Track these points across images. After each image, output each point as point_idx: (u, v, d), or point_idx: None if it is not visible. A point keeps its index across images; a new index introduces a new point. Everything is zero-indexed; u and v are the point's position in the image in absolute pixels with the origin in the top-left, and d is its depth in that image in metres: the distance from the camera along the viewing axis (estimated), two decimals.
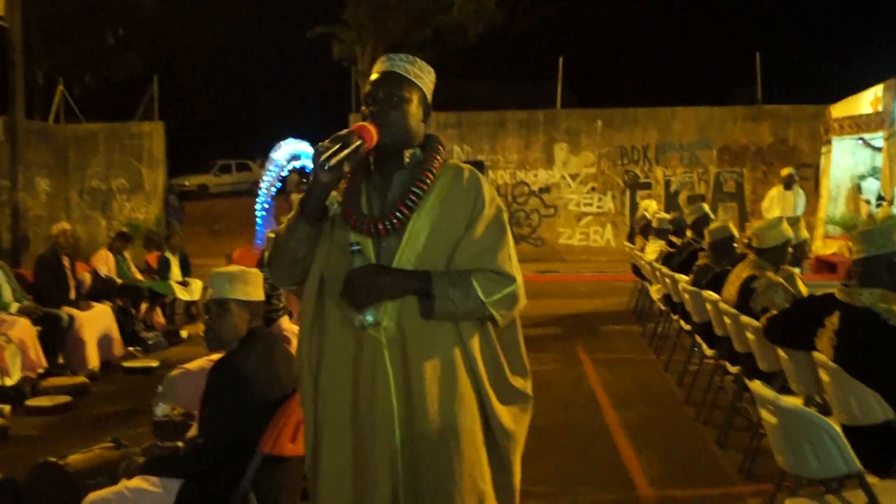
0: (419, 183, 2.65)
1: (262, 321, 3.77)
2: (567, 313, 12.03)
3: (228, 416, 3.41)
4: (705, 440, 6.20)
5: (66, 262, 9.08)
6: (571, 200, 19.81)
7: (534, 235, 19.88)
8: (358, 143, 2.52)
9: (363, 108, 2.71)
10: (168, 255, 11.74)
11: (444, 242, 2.63)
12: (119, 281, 10.61)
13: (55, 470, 4.41)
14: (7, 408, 7.15)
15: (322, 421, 2.69)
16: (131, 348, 9.62)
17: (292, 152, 18.41)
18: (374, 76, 2.72)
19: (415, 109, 2.70)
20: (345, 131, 2.55)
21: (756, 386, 3.36)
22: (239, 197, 29.14)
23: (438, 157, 2.73)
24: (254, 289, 3.64)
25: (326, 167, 2.49)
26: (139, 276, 11.31)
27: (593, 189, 19.79)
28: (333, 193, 2.72)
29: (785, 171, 14.11)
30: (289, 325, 4.42)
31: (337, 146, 2.51)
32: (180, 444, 3.72)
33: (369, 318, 2.55)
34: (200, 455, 3.46)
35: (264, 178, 18.30)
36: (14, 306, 8.30)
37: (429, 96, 2.77)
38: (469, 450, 2.62)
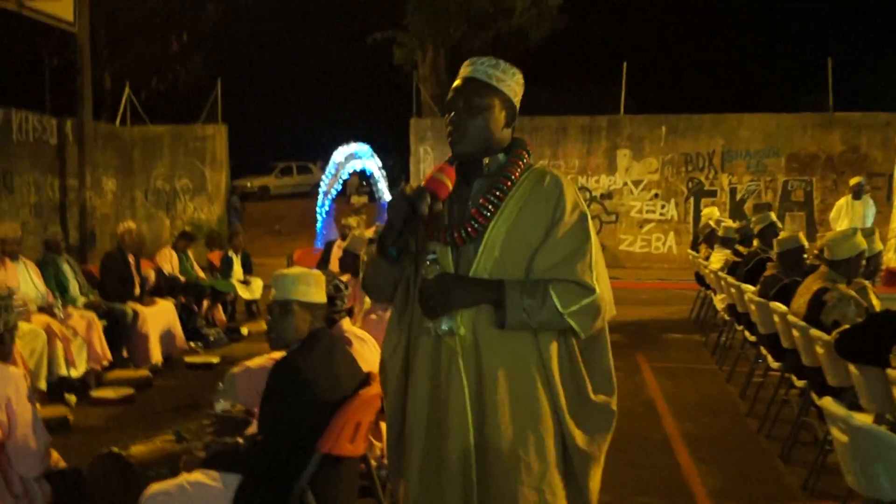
0: (496, 191, 2.62)
1: (325, 322, 3.78)
2: (627, 321, 11.88)
3: (288, 415, 3.43)
4: (768, 454, 6.09)
5: (131, 259, 9.24)
6: (634, 207, 19.62)
7: None
8: (429, 201, 2.53)
9: (447, 114, 2.68)
10: (230, 254, 11.88)
11: (522, 250, 2.59)
12: (182, 279, 10.78)
13: (118, 460, 4.50)
14: (73, 398, 7.34)
15: (408, 428, 2.70)
16: (193, 344, 9.79)
17: (351, 151, 18.53)
18: (455, 83, 2.69)
19: (496, 116, 2.65)
20: (417, 187, 2.56)
21: (827, 403, 3.28)
22: (299, 198, 29.41)
23: (520, 163, 2.67)
24: (316, 290, 3.65)
25: (390, 252, 2.55)
26: (202, 275, 11.49)
27: (656, 196, 19.58)
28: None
29: (854, 181, 13.82)
30: (350, 327, 4.43)
31: (397, 231, 2.56)
32: (240, 440, 3.75)
33: (444, 327, 2.55)
34: (260, 453, 3.48)
35: (324, 180, 18.44)
36: (81, 301, 8.51)
37: (515, 99, 2.70)
38: (539, 463, 2.58)
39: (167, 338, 9.16)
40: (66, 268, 8.64)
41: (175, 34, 26.11)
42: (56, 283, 8.39)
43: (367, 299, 5.46)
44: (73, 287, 8.60)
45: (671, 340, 10.69)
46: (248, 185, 32.43)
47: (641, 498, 5.28)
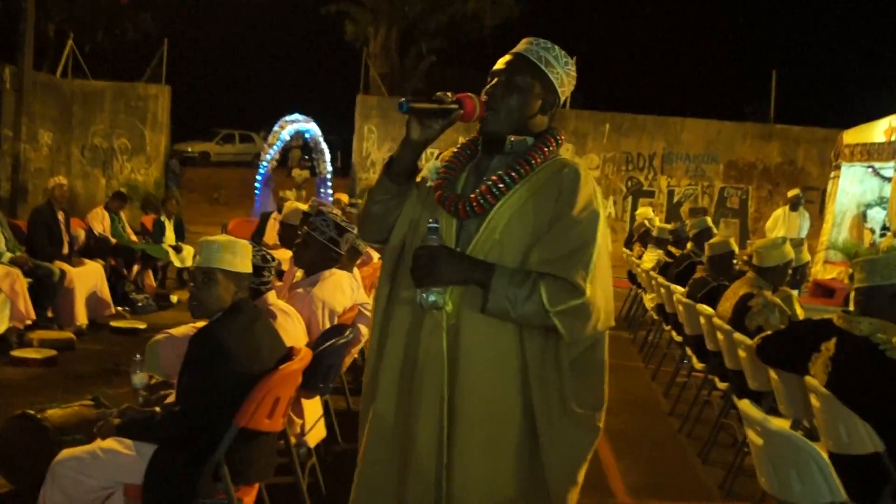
0: (512, 171, 2.52)
1: (249, 294, 3.73)
2: None
3: (206, 386, 3.37)
4: (687, 453, 6.19)
5: (60, 216, 9.04)
6: None
7: None
8: (454, 107, 2.44)
9: (488, 81, 2.61)
10: (163, 218, 11.69)
11: (523, 238, 2.48)
12: (113, 240, 10.58)
13: (32, 422, 4.38)
14: None
15: (379, 383, 2.62)
16: (120, 308, 9.58)
17: (296, 128, 18.33)
18: (506, 56, 2.62)
19: (533, 99, 2.57)
20: (449, 94, 2.46)
21: (745, 406, 3.33)
22: (240, 167, 29.06)
23: (545, 150, 2.57)
24: (241, 260, 3.59)
25: (406, 108, 2.39)
26: (133, 238, 11.28)
27: None
28: (437, 163, 2.65)
29: (792, 193, 14.10)
30: (275, 300, 4.37)
31: (432, 103, 2.44)
32: (157, 409, 3.68)
33: (430, 299, 2.45)
34: (176, 422, 3.43)
35: (268, 150, 18.23)
36: (7, 256, 8.27)
37: (560, 89, 2.62)
38: (509, 464, 2.49)
39: (94, 300, 8.99)
40: None
41: None
42: None
43: (298, 273, 5.41)
44: (0, 241, 8.37)
45: (616, 337, 10.74)
46: (189, 149, 31.89)
47: None
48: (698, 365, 6.82)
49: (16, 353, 7.36)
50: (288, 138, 18.37)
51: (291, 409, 4.26)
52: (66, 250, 9.00)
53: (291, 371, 3.59)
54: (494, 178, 2.53)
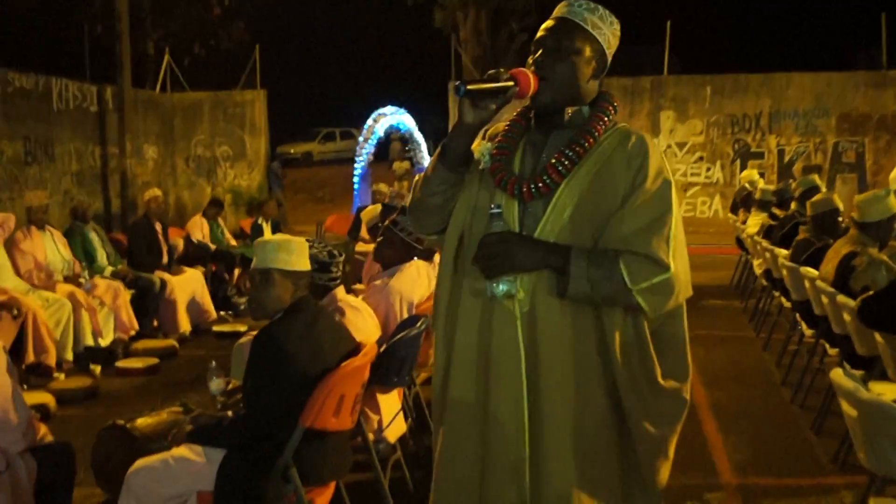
0: (575, 146, 2.39)
1: (310, 291, 3.68)
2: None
3: (268, 388, 3.34)
4: (799, 425, 5.90)
5: (157, 227, 9.23)
6: (678, 170, 19.22)
7: None
8: (510, 83, 2.31)
9: (530, 58, 2.48)
10: (261, 221, 11.82)
11: (595, 216, 2.36)
12: (213, 246, 10.78)
13: (122, 432, 4.45)
14: (97, 368, 7.38)
15: (449, 399, 2.52)
16: (223, 313, 9.76)
17: (390, 121, 18.39)
18: (547, 22, 2.48)
19: (585, 64, 2.43)
20: (502, 70, 2.35)
21: (836, 375, 3.09)
22: (342, 164, 29.29)
23: (605, 119, 2.44)
24: (297, 258, 3.54)
25: (463, 91, 2.27)
26: (233, 242, 11.47)
27: (701, 158, 19.16)
28: (487, 144, 2.53)
29: None
30: (344, 296, 4.32)
31: (486, 82, 2.31)
32: (229, 413, 3.68)
33: (502, 288, 2.33)
34: (242, 427, 3.42)
35: (363, 146, 18.35)
36: (108, 270, 8.52)
37: (608, 51, 2.48)
38: (597, 448, 2.40)
39: (196, 307, 9.16)
40: (92, 236, 8.66)
41: None
42: (83, 253, 8.42)
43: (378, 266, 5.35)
44: (101, 256, 8.62)
45: (710, 307, 10.45)
46: (292, 151, 32.46)
47: None
48: (808, 331, 6.49)
49: (120, 363, 7.56)
50: (382, 132, 18.44)
51: (367, 405, 4.21)
52: (165, 260, 9.19)
53: (354, 367, 3.52)
54: (558, 154, 2.40)
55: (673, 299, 2.33)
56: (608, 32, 2.47)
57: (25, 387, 6.60)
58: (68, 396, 6.56)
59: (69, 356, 7.35)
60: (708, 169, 19.16)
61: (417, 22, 26.31)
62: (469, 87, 2.28)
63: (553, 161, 2.39)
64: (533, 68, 2.42)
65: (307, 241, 4.02)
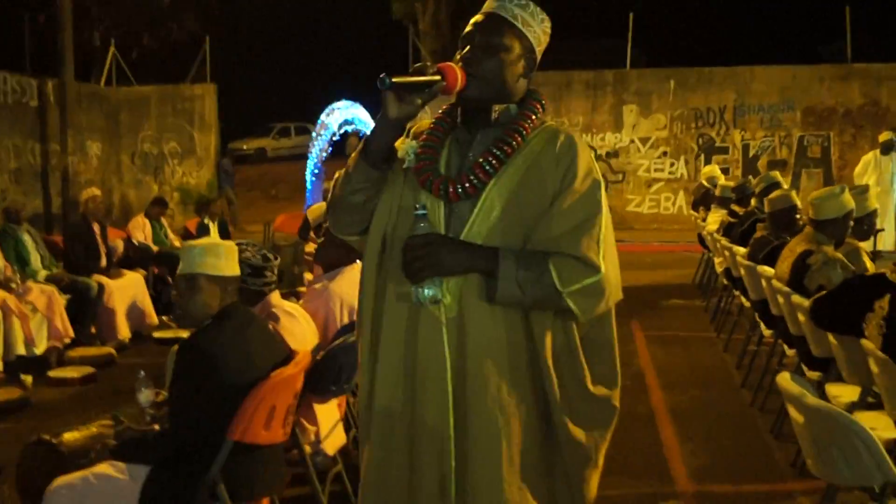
0: (502, 144, 2.38)
1: (244, 297, 3.61)
2: (626, 285, 11.32)
3: (194, 399, 3.27)
4: (758, 429, 5.92)
5: (96, 228, 9.09)
6: (641, 166, 19.35)
7: None
8: (437, 78, 2.29)
9: (457, 53, 2.45)
10: (207, 221, 11.66)
11: (523, 216, 2.36)
12: (155, 248, 10.63)
13: (48, 448, 4.32)
14: (29, 378, 7.21)
15: (375, 407, 2.48)
16: (165, 318, 9.59)
17: (345, 118, 18.25)
18: (476, 17, 2.46)
19: (514, 60, 2.42)
20: (429, 63, 2.33)
21: (783, 379, 3.07)
22: (298, 161, 29.06)
23: (533, 118, 2.44)
24: (226, 263, 3.47)
25: (388, 84, 2.23)
26: (177, 243, 11.29)
27: (665, 154, 19.28)
28: (412, 143, 2.48)
29: (884, 137, 13.60)
30: (279, 302, 4.24)
31: (412, 76, 2.29)
32: (156, 427, 3.59)
33: (427, 293, 2.29)
34: (166, 441, 3.34)
35: (315, 142, 18.21)
36: (42, 274, 8.37)
37: (537, 49, 2.47)
38: (524, 458, 2.38)
39: (136, 312, 9.01)
40: (26, 238, 8.50)
41: None
42: (15, 256, 8.25)
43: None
44: (34, 259, 8.46)
45: (671, 307, 10.50)
46: (244, 147, 32.19)
47: (615, 478, 5.06)
48: (767, 332, 6.51)
49: (53, 373, 7.40)
50: (336, 127, 18.30)
51: (303, 416, 4.14)
52: (104, 263, 9.05)
53: (286, 377, 3.45)
54: (485, 153, 2.38)
55: (604, 302, 2.34)
56: (539, 30, 2.47)
57: None
58: None
59: None
60: (672, 164, 19.27)
61: (375, 13, 26.25)
62: (394, 79, 2.24)
63: (480, 160, 2.38)
64: (461, 64, 2.39)
65: (240, 244, 3.94)
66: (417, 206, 2.33)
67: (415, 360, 2.39)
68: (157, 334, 8.89)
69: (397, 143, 2.47)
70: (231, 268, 3.49)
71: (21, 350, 7.42)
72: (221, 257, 3.45)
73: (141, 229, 10.76)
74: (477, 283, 2.34)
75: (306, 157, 18.77)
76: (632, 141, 19.32)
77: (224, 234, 11.82)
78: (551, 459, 2.42)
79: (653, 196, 19.37)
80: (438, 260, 2.28)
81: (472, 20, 2.46)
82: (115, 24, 24.42)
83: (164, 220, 11.28)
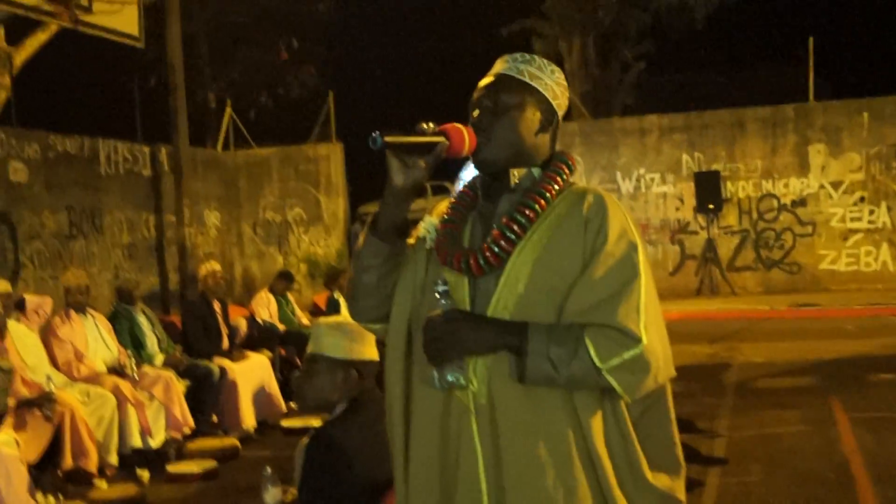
0: (524, 209, 2.45)
1: (378, 382, 3.62)
2: (825, 358, 11.30)
3: (326, 500, 3.28)
4: None
5: (217, 307, 9.36)
6: (835, 215, 18.76)
7: (787, 260, 18.97)
8: (438, 139, 2.38)
9: (471, 115, 2.57)
10: (337, 295, 11.87)
11: (553, 286, 2.39)
12: (281, 327, 10.86)
13: None
14: (145, 473, 7.45)
15: (411, 498, 2.54)
16: (293, 404, 9.74)
17: None
18: (483, 80, 2.60)
19: (528, 119, 2.53)
20: (431, 124, 2.42)
21: None
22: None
23: (558, 179, 2.51)
24: (356, 345, 3.50)
25: (380, 144, 2.29)
26: (305, 321, 11.54)
27: (862, 199, 18.65)
28: (432, 220, 2.59)
29: None
30: None
31: (410, 135, 2.38)
32: None
33: (450, 378, 2.35)
34: None
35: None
36: (159, 358, 8.65)
37: (554, 102, 2.57)
38: None
39: (261, 399, 9.22)
40: (141, 319, 8.82)
41: (283, 40, 26.60)
42: (130, 339, 8.57)
43: None
44: (151, 342, 8.76)
45: (881, 382, 10.03)
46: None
47: None
48: None
49: (172, 467, 7.61)
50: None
51: None
52: (225, 345, 9.30)
53: None
54: (506, 220, 2.45)
55: (651, 378, 2.35)
56: (550, 82, 2.56)
57: (61, 497, 6.70)
58: None
59: (113, 460, 7.45)
60: (871, 212, 18.63)
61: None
62: (386, 139, 2.31)
63: (501, 228, 2.45)
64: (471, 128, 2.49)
65: None
66: (439, 282, 2.40)
67: (447, 458, 2.44)
68: (285, 423, 9.10)
69: (421, 225, 2.58)
70: (362, 351, 3.52)
71: (137, 442, 7.68)
72: (351, 338, 3.49)
73: (265, 306, 11.03)
74: (507, 363, 2.37)
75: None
76: (821, 186, 18.79)
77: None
78: None
79: (850, 250, 18.72)
80: (460, 338, 2.34)
81: (479, 84, 2.58)
82: (230, 83, 25.46)
83: (290, 296, 11.55)
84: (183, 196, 17.11)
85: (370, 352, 3.55)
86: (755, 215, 19.03)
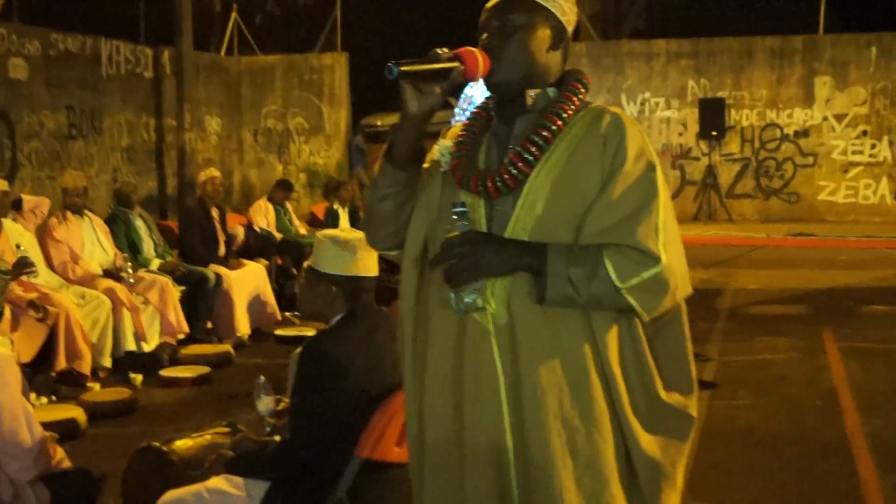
0: (541, 130, 2.42)
1: (377, 294, 3.62)
2: (818, 288, 11.35)
3: (318, 409, 3.29)
4: None
5: (215, 213, 9.34)
6: (836, 147, 18.71)
7: (786, 190, 18.97)
8: (454, 64, 2.34)
9: (479, 38, 2.52)
10: (336, 206, 11.84)
11: (571, 207, 2.38)
12: (279, 236, 10.84)
13: (158, 456, 4.47)
14: (138, 378, 7.45)
15: (426, 424, 2.55)
16: (288, 314, 9.81)
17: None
18: (490, 2, 2.54)
19: (538, 37, 2.48)
20: (445, 49, 2.37)
21: None
22: (438, 138, 29.34)
23: (574, 99, 2.48)
24: (361, 262, 3.49)
25: (396, 74, 2.26)
26: (303, 231, 11.52)
27: (865, 133, 18.58)
28: (447, 142, 2.57)
29: None
30: None
31: (425, 63, 2.34)
32: (276, 437, 3.64)
33: (467, 300, 2.34)
34: (286, 455, 3.36)
35: (458, 116, 18.30)
36: (155, 263, 8.64)
37: (563, 18, 2.52)
38: (592, 478, 2.38)
39: (256, 307, 9.23)
40: (138, 223, 8.79)
41: None
42: (126, 242, 8.55)
43: None
44: (147, 247, 8.75)
45: (871, 314, 10.11)
46: (378, 123, 32.44)
47: None
48: None
49: (165, 372, 7.62)
50: (481, 99, 18.37)
51: None
52: (222, 251, 9.29)
53: None
54: (523, 141, 2.42)
55: (669, 297, 2.36)
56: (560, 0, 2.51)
57: (54, 398, 6.75)
58: (102, 410, 6.61)
59: (107, 362, 7.50)
60: (873, 146, 18.59)
61: None
62: (402, 68, 2.28)
63: (518, 150, 2.42)
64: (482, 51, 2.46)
65: None
66: (456, 204, 2.38)
67: (463, 377, 2.44)
68: (278, 332, 9.12)
69: (435, 148, 2.56)
70: (366, 268, 3.51)
71: (131, 346, 7.70)
72: (348, 253, 3.48)
73: (263, 215, 10.99)
74: (526, 284, 2.37)
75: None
76: (825, 118, 18.70)
77: (355, 221, 11.96)
78: (627, 480, 2.43)
79: (850, 183, 18.71)
80: (478, 260, 2.32)
81: (486, 5, 2.53)
82: None
83: (288, 205, 11.51)
84: (184, 100, 16.89)
85: (368, 267, 3.54)
86: (757, 144, 18.99)
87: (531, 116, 2.48)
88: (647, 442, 2.41)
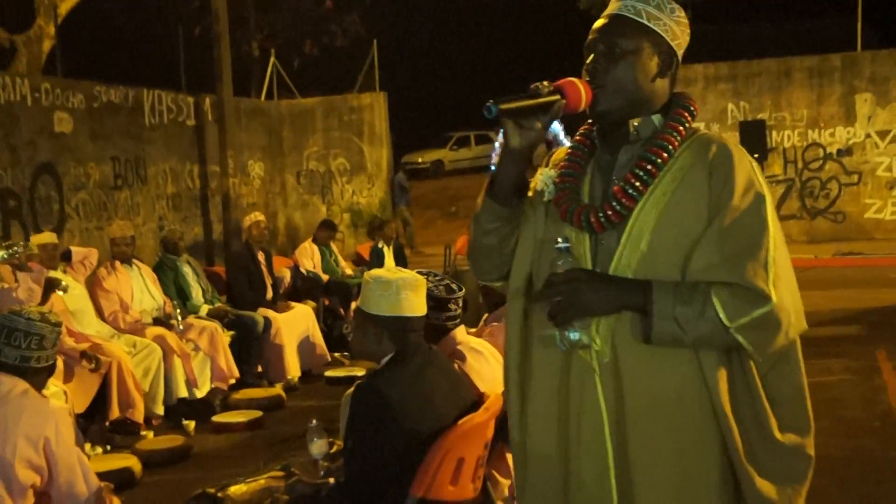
0: (646, 163, 2.36)
1: (429, 333, 3.61)
2: (870, 307, 11.19)
3: (370, 451, 3.28)
4: None
5: (261, 257, 9.37)
6: (881, 164, 18.52)
7: (832, 209, 18.79)
8: (555, 97, 2.30)
9: (586, 61, 2.47)
10: (381, 245, 11.84)
11: (677, 242, 2.32)
12: (325, 277, 10.86)
13: (213, 503, 4.45)
14: (191, 424, 7.47)
15: (528, 458, 2.52)
16: (338, 354, 9.81)
17: None
18: (598, 22, 2.48)
19: (645, 65, 2.41)
20: (545, 83, 2.33)
21: None
22: (479, 173, 29.32)
23: (680, 128, 2.41)
24: (409, 303, 3.48)
25: (495, 112, 2.24)
26: (349, 271, 11.55)
27: None
28: (550, 172, 2.52)
29: None
30: (465, 338, 4.21)
31: (524, 99, 2.30)
32: (331, 480, 3.62)
33: (573, 337, 2.29)
34: (342, 497, 3.35)
35: (494, 152, 18.31)
36: (204, 309, 8.66)
37: (674, 43, 2.45)
38: None
39: (306, 349, 9.24)
40: (186, 270, 8.83)
41: None
42: (175, 290, 8.59)
43: None
44: (196, 293, 8.78)
45: None
46: (419, 160, 32.71)
47: None
48: None
49: (217, 418, 7.65)
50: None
51: (495, 468, 4.09)
52: (270, 295, 9.31)
53: (475, 424, 3.44)
54: (627, 174, 2.36)
55: (782, 335, 2.27)
56: (670, 22, 2.44)
57: (109, 448, 6.78)
58: (157, 458, 6.66)
59: (159, 410, 7.53)
60: None
61: (559, 4, 26.23)
62: (502, 106, 2.26)
63: (622, 184, 2.37)
64: (586, 77, 2.40)
65: (419, 273, 3.93)
66: (559, 239, 2.33)
67: (568, 415, 2.41)
68: (328, 373, 9.14)
69: (538, 177, 2.52)
70: (412, 307, 3.49)
71: (183, 393, 7.73)
72: (401, 295, 3.47)
73: (309, 256, 11.02)
74: (631, 322, 2.32)
75: (489, 169, 18.90)
76: (868, 135, 18.52)
77: (400, 259, 11.97)
78: None
79: None
80: (582, 298, 2.27)
81: (594, 26, 2.47)
82: (274, 32, 25.37)
83: (333, 246, 11.53)
84: (227, 146, 17.09)
85: (414, 307, 3.52)
86: (800, 164, 18.82)
87: (635, 147, 2.43)
88: (762, 485, 2.33)
